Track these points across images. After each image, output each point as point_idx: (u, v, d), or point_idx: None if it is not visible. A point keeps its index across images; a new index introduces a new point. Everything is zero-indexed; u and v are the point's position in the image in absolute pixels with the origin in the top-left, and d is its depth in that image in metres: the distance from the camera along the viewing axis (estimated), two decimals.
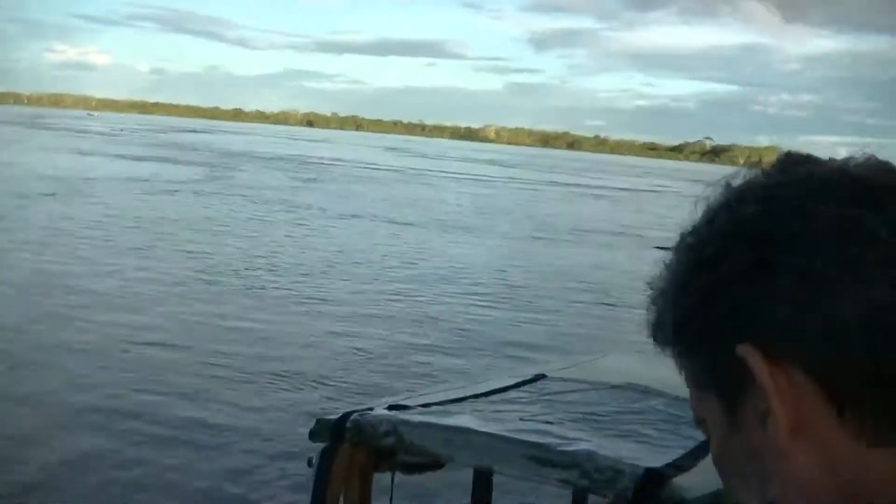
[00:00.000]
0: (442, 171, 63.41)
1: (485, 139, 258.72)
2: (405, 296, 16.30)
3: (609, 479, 2.71)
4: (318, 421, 3.03)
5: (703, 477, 2.56)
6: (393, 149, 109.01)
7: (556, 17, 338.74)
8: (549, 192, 53.32)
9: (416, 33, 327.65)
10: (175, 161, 51.17)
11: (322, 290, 16.30)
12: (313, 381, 10.50)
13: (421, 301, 15.98)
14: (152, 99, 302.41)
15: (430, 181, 52.87)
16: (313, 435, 3.01)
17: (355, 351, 12.07)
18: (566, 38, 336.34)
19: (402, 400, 3.27)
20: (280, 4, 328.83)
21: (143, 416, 8.84)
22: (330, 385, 10.39)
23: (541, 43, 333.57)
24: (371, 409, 3.05)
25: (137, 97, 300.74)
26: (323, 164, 61.71)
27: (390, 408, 3.07)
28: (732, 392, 0.57)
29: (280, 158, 63.08)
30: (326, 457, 2.93)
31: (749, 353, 0.54)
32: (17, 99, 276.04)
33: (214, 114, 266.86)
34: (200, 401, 9.51)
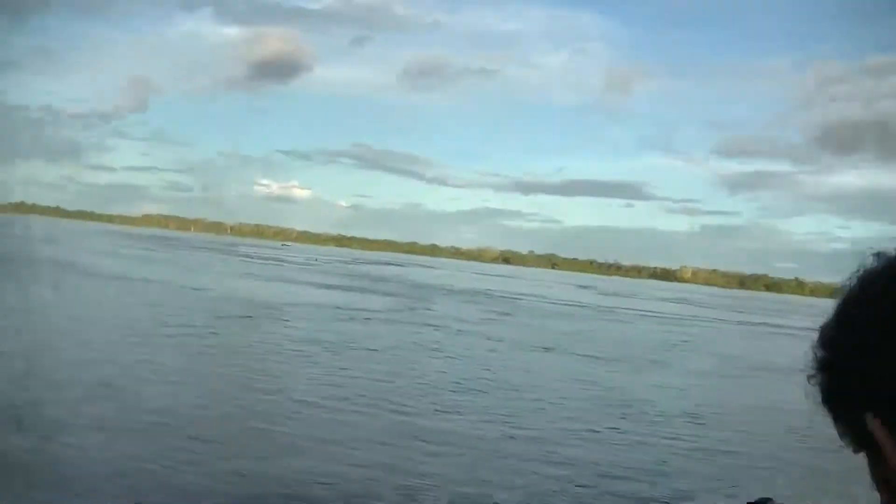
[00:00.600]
0: (630, 309, 63.92)
1: (681, 279, 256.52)
2: (607, 436, 16.39)
3: None
4: None
5: None
6: (585, 287, 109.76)
7: (747, 161, 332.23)
8: (737, 331, 53.23)
9: (609, 175, 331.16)
10: (369, 291, 52.63)
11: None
12: None
13: (622, 443, 15.91)
14: (350, 233, 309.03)
15: (619, 318, 53.47)
16: None
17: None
18: (758, 181, 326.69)
19: None
20: (477, 145, 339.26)
21: None
22: None
23: (733, 185, 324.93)
24: None
25: (335, 230, 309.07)
26: (516, 299, 62.63)
27: None
28: None
29: (475, 293, 64.56)
30: None
31: None
32: (220, 229, 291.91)
33: (411, 248, 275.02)
34: None
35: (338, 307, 38.28)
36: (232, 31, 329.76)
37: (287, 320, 31.21)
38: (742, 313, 78.44)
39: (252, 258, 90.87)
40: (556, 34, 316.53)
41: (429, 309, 43.56)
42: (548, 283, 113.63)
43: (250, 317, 30.74)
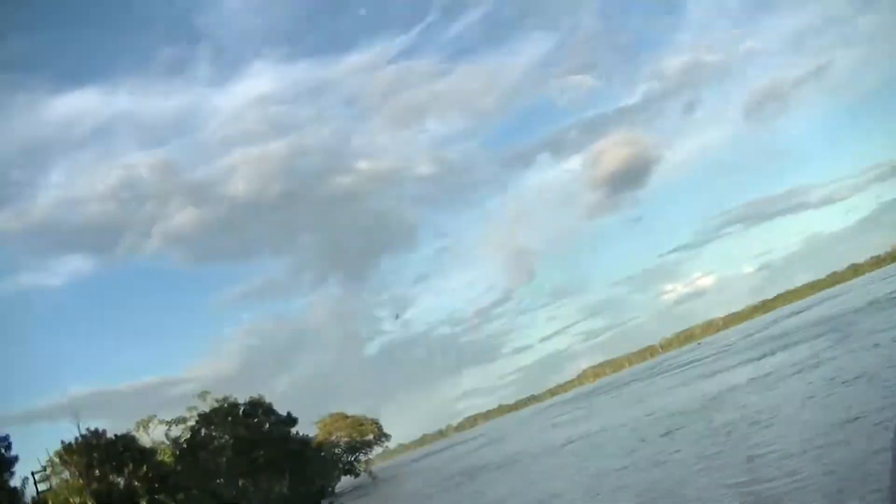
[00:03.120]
0: None
1: None
2: None
3: None
4: None
5: None
6: None
7: None
8: None
9: None
10: (792, 346, 50.97)
11: None
12: None
13: None
14: (769, 295, 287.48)
15: None
16: None
17: None
18: None
19: None
20: (842, 146, 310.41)
21: None
22: None
23: None
24: None
25: (755, 299, 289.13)
26: None
27: None
28: None
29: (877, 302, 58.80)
30: None
31: None
32: (652, 351, 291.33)
33: (833, 280, 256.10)
34: None
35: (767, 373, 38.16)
36: (572, 163, 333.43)
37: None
38: None
39: (672, 370, 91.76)
40: None
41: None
42: None
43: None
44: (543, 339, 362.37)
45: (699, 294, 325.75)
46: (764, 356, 51.18)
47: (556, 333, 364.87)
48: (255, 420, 66.95)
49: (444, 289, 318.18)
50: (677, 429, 30.99)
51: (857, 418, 18.83)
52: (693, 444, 25.58)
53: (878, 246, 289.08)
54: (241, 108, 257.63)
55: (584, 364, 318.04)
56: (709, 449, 23.15)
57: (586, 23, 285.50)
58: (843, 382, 25.49)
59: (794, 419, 22.46)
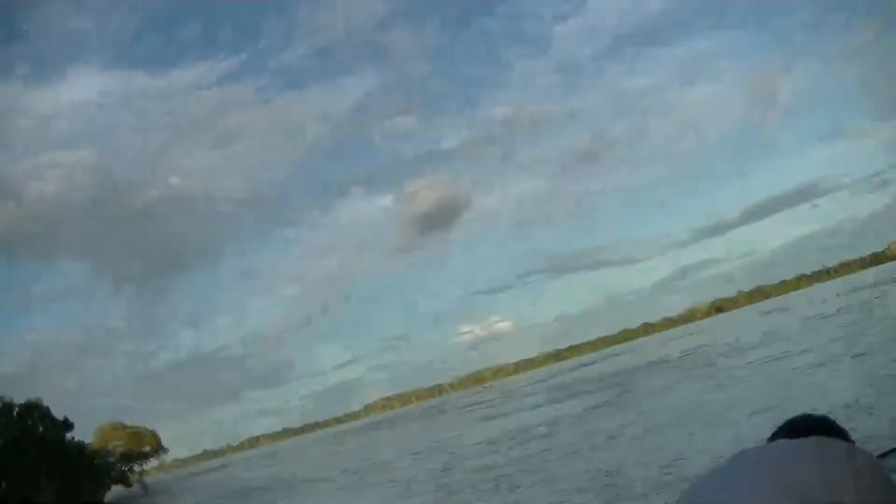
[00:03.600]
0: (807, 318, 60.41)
1: (894, 257, 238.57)
2: None
3: None
4: None
5: None
6: (784, 309, 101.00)
7: None
8: None
9: (786, 184, 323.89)
10: (576, 396, 53.18)
11: None
12: None
13: None
14: (564, 344, 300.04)
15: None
16: None
17: None
18: None
19: None
20: (648, 210, 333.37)
21: None
22: None
23: None
24: None
25: (549, 348, 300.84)
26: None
27: None
28: None
29: (664, 361, 63.61)
30: None
31: None
32: (441, 390, 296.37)
33: (625, 336, 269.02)
34: None
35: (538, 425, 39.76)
36: (385, 200, 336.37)
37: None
38: None
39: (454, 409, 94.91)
40: (686, 69, 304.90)
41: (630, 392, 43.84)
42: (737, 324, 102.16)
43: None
44: (337, 367, 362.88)
45: (495, 338, 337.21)
46: (539, 406, 54.55)
47: (351, 363, 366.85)
48: (30, 423, 64.16)
49: (244, 310, 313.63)
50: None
51: (609, 473, 20.56)
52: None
53: (670, 308, 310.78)
54: (56, 111, 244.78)
55: (375, 395, 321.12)
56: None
57: (415, 66, 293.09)
58: (610, 437, 26.91)
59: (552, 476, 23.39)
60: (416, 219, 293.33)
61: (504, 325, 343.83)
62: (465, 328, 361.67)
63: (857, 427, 13.29)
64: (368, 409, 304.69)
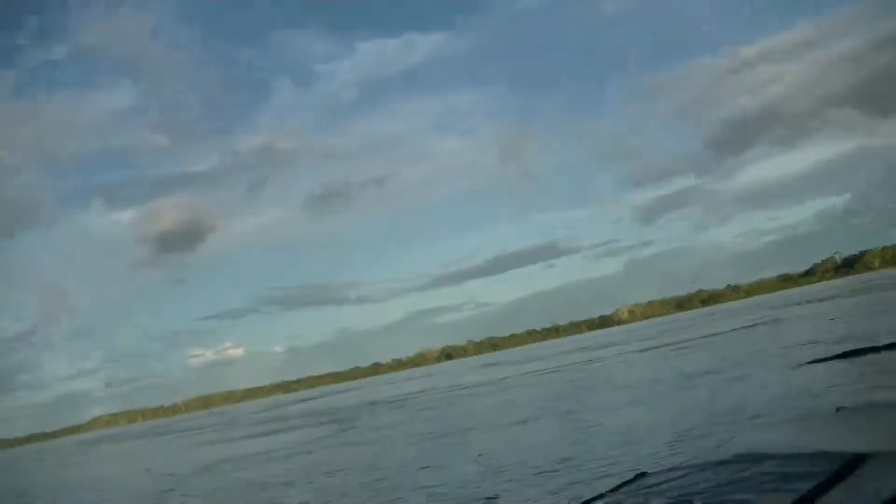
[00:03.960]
0: (525, 373, 67.06)
1: (620, 322, 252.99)
2: None
3: None
4: None
5: None
6: (494, 364, 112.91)
7: (654, 188, 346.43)
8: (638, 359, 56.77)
9: (527, 241, 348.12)
10: (298, 428, 55.54)
11: None
12: None
13: None
14: (294, 376, 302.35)
15: (515, 385, 56.10)
16: None
17: None
18: (671, 202, 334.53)
19: None
20: (393, 252, 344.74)
21: None
22: None
23: (648, 214, 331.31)
24: None
25: (278, 379, 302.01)
26: (422, 395, 65.03)
27: None
28: None
29: (387, 401, 67.54)
30: None
31: None
32: (169, 411, 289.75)
33: (355, 374, 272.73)
34: None
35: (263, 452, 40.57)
36: (126, 216, 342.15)
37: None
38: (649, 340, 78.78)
39: (178, 432, 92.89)
40: (443, 119, 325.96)
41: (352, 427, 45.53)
42: (452, 374, 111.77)
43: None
44: (63, 379, 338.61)
45: (227, 363, 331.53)
46: (262, 435, 56.49)
47: (79, 375, 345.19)
48: None
49: None
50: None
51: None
52: None
53: (401, 350, 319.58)
54: None
55: (100, 410, 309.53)
56: None
57: (171, 83, 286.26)
58: (325, 473, 27.59)
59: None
60: (157, 236, 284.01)
61: (237, 352, 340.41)
62: (198, 351, 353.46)
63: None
64: (93, 424, 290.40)
